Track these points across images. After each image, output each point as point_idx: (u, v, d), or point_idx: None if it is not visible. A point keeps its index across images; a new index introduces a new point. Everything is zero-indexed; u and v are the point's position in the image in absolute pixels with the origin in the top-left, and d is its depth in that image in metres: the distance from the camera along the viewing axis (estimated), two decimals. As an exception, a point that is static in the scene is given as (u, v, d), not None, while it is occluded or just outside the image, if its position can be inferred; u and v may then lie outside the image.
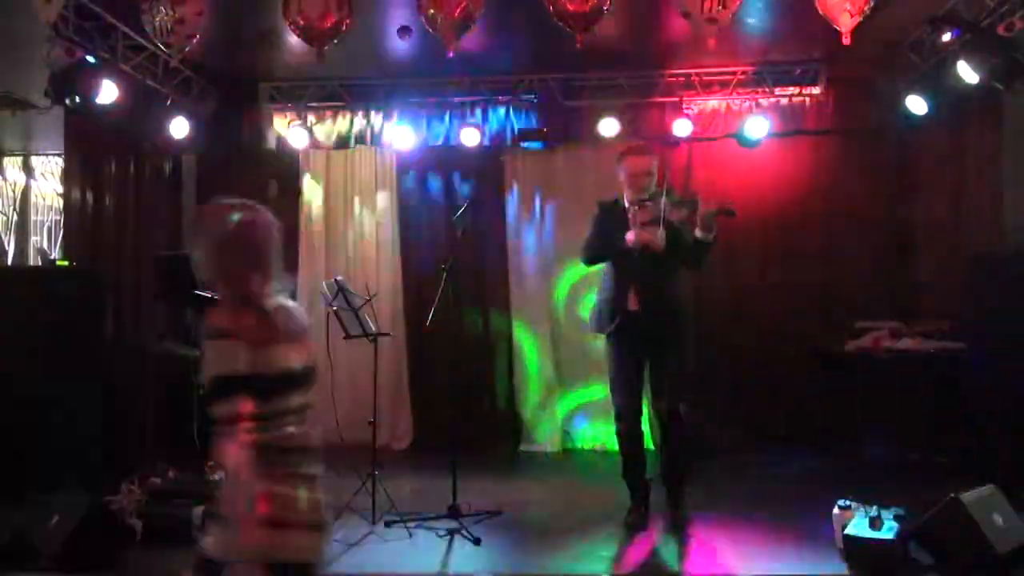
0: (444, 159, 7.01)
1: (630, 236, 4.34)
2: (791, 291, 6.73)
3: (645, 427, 4.71)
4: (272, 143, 6.99)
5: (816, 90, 6.60)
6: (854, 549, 3.86)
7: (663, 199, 4.27)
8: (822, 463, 5.99)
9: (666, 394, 4.46)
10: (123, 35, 5.40)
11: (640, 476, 4.63)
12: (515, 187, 7.03)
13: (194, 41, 4.78)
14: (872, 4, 4.42)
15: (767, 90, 6.61)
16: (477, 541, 4.30)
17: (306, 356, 2.27)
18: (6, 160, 8.41)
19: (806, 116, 6.68)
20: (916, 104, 6.04)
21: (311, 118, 6.89)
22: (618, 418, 4.58)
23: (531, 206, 6.99)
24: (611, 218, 4.53)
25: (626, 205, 4.47)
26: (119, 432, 5.76)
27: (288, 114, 6.90)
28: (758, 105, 6.64)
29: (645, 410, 4.67)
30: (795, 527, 4.44)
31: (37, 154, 8.39)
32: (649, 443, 5.24)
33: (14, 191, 8.46)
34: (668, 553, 4.21)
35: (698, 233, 4.23)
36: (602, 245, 4.53)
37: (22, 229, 8.44)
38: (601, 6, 4.54)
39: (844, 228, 6.74)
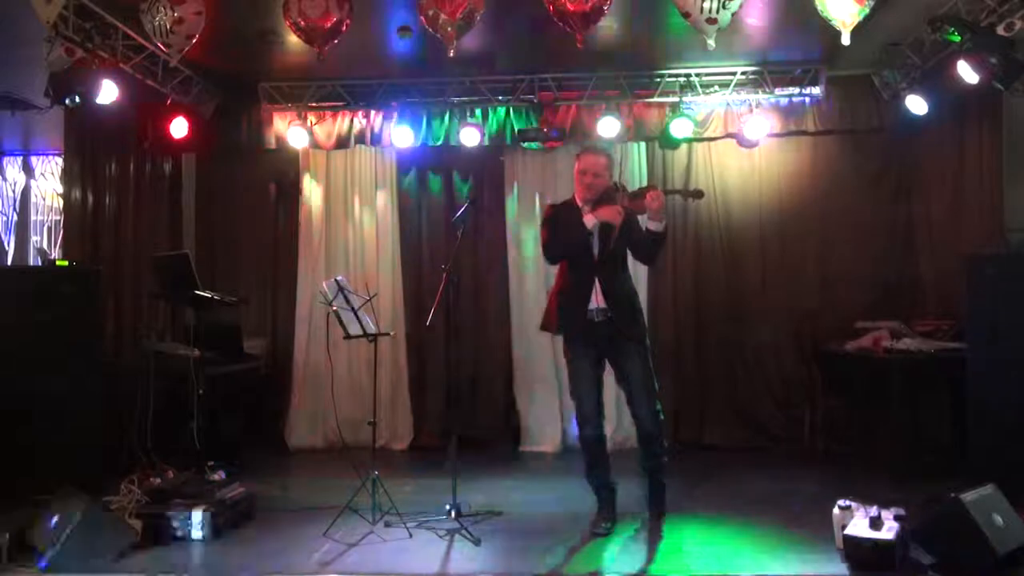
0: (444, 159, 7.02)
1: (588, 218, 4.33)
2: (791, 291, 6.73)
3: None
4: (272, 143, 6.98)
5: (816, 90, 6.59)
6: (854, 549, 3.86)
7: (617, 192, 4.32)
8: (822, 463, 6.00)
9: (645, 394, 4.42)
10: (123, 35, 5.40)
11: (606, 479, 4.58)
12: (515, 187, 7.03)
13: (193, 41, 4.77)
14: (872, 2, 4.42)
15: (767, 90, 6.61)
16: (477, 541, 4.30)
17: None
18: (6, 160, 8.42)
19: (806, 116, 6.67)
20: (916, 104, 6.04)
21: (311, 118, 6.90)
22: (584, 423, 4.45)
23: (531, 206, 6.99)
24: (565, 217, 4.47)
25: (579, 205, 4.45)
26: (119, 432, 5.76)
27: (288, 114, 6.90)
28: (758, 105, 6.64)
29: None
30: (795, 527, 4.44)
31: (37, 154, 8.39)
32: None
33: (14, 191, 8.46)
34: (668, 553, 4.20)
35: (650, 224, 4.21)
36: (565, 240, 4.42)
37: (22, 229, 8.44)
38: (601, 6, 4.53)
39: (844, 228, 6.73)
